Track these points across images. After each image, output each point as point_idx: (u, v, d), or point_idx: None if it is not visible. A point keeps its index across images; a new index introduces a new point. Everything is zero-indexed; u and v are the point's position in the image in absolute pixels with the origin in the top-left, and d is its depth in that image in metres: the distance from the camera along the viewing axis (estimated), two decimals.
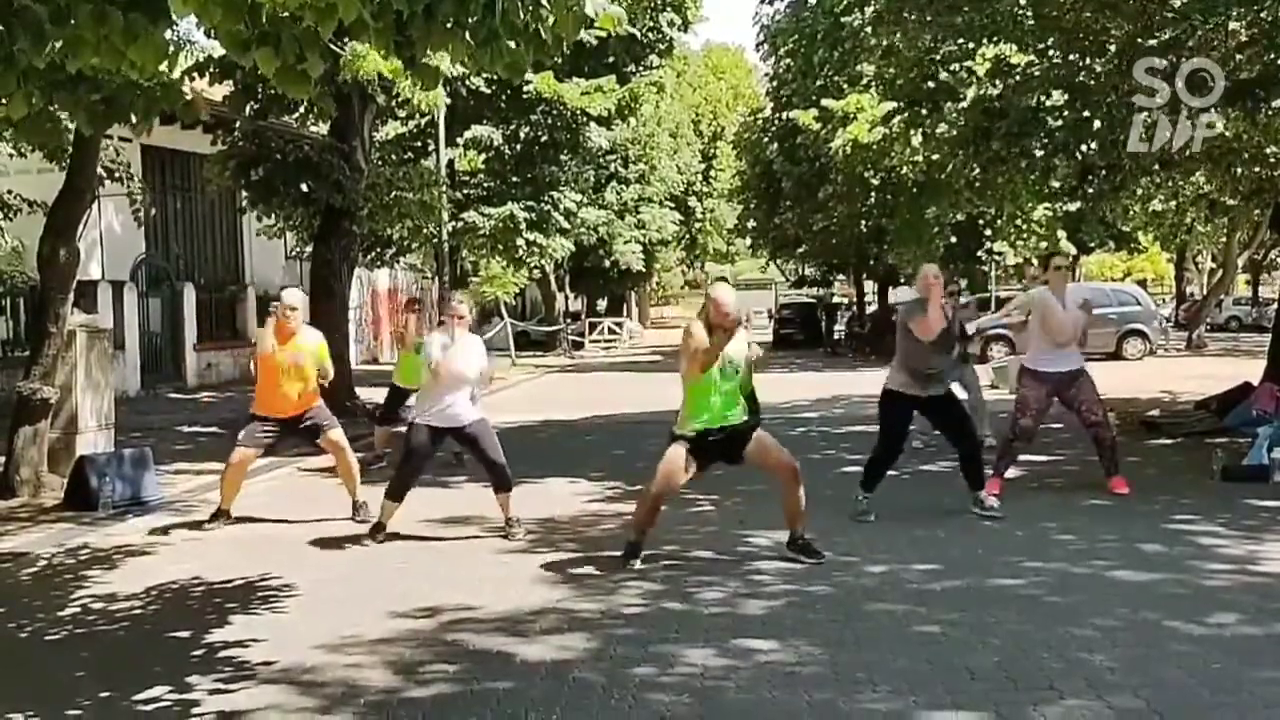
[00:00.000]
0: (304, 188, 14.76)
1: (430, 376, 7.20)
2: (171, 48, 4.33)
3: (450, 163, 20.47)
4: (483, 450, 7.31)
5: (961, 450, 7.71)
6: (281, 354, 7.87)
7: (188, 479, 10.06)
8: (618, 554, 6.55)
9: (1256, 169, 12.75)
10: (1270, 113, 10.28)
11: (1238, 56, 10.40)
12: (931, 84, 12.40)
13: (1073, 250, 31.81)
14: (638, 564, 6.38)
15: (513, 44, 4.20)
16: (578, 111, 21.96)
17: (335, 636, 5.20)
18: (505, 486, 7.33)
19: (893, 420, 7.69)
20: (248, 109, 14.86)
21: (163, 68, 4.49)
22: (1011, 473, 8.91)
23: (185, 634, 5.39)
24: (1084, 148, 10.84)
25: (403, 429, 8.32)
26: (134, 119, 5.65)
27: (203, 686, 4.62)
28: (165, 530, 7.95)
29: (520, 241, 22.58)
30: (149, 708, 4.41)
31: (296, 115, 15.71)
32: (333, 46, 4.19)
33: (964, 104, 12.17)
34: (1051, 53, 11.56)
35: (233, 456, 7.96)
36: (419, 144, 21.60)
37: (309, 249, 17.37)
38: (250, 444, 7.97)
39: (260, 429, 8.01)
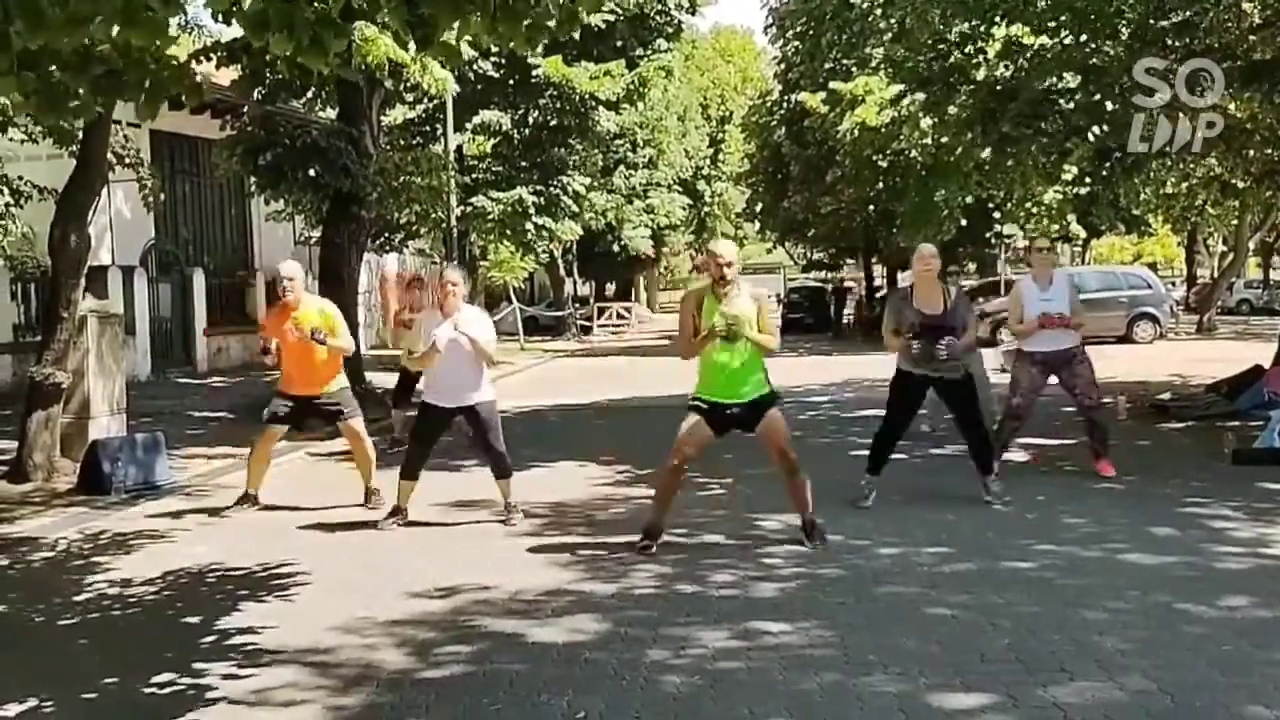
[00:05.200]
0: (312, 173, 14.75)
1: (426, 356, 7.11)
2: (175, 29, 4.30)
3: (459, 147, 20.42)
4: (482, 433, 7.26)
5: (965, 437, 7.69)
6: (290, 329, 7.78)
7: (200, 463, 10.11)
8: (628, 537, 6.55)
9: (1268, 151, 12.68)
10: None
11: (1251, 38, 10.33)
12: (943, 61, 12.31)
13: (1083, 233, 31.73)
14: (653, 548, 6.33)
15: (526, 21, 4.17)
16: (586, 96, 21.88)
17: (348, 619, 5.23)
18: (504, 473, 7.30)
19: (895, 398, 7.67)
20: (256, 94, 14.84)
21: (173, 50, 4.46)
22: (1020, 456, 8.91)
23: (198, 618, 5.43)
24: (1097, 129, 10.79)
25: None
26: (141, 99, 5.63)
27: (216, 670, 4.65)
28: (178, 514, 7.98)
29: (529, 226, 22.52)
30: (163, 691, 4.44)
31: (304, 101, 15.69)
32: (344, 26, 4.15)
33: (973, 86, 12.10)
34: (1064, 34, 11.48)
35: (260, 435, 7.97)
36: (427, 129, 21.55)
37: (317, 234, 17.39)
38: (271, 420, 7.93)
39: (280, 404, 7.95)
